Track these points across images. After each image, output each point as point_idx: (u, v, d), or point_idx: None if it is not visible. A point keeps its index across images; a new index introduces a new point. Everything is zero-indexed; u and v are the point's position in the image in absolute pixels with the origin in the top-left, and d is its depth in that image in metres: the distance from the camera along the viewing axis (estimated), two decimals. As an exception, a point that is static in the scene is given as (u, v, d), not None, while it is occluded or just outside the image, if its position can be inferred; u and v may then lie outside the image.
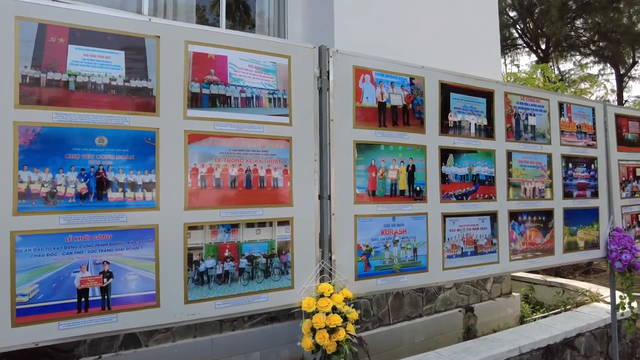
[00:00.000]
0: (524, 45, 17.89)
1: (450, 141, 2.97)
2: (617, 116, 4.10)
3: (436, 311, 4.99)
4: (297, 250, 2.39)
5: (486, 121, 3.16)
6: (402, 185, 2.74)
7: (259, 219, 2.30)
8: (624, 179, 4.09)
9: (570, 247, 3.61)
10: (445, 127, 2.95)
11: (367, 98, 2.64)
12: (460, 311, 5.14)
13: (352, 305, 2.40)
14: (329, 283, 2.41)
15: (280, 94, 2.38)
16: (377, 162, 2.66)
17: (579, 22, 16.27)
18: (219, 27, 4.62)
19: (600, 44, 16.16)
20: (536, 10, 15.74)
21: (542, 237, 3.41)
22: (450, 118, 2.98)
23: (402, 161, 2.75)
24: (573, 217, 3.63)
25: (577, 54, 17.57)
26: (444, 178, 2.92)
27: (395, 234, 2.70)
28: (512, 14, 17.31)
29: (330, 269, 2.48)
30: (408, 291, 4.72)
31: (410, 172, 2.78)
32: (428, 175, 2.85)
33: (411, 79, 2.82)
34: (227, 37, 2.26)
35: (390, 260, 2.68)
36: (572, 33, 16.19)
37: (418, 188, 2.80)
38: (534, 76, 8.32)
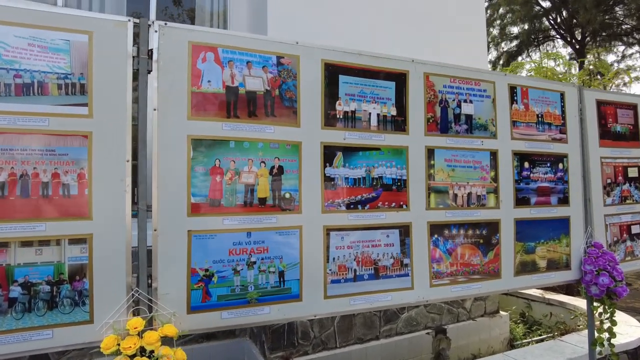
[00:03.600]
0: (558, 37, 16.13)
1: (339, 136, 2.28)
2: (600, 103, 3.18)
3: (398, 333, 4.23)
4: (99, 276, 1.82)
5: (395, 111, 2.43)
6: (263, 192, 2.10)
7: (39, 236, 1.75)
8: (609, 181, 3.16)
9: (526, 268, 2.77)
10: (331, 119, 2.27)
11: (209, 82, 2.03)
12: (428, 333, 4.34)
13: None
14: (142, 317, 1.83)
15: (75, 78, 1.83)
16: (224, 162, 2.03)
17: (618, 9, 14.42)
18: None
19: None
20: (570, -1, 14.11)
21: (481, 256, 2.62)
22: (339, 107, 2.29)
23: (262, 161, 2.10)
24: (530, 230, 2.78)
25: (620, 43, 15.57)
26: (329, 182, 2.24)
27: (251, 254, 2.06)
28: (545, 4, 15.67)
29: (150, 300, 1.89)
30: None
31: (276, 175, 2.13)
32: (304, 179, 2.18)
33: (279, 57, 2.17)
34: (-5, 8, 1.74)
35: (242, 287, 2.04)
36: (612, 21, 14.33)
37: (288, 195, 2.15)
38: (544, 66, 7.15)
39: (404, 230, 2.40)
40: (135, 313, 1.87)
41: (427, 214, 2.47)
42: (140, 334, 1.80)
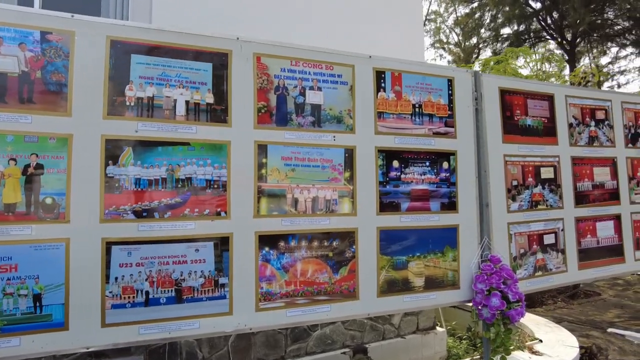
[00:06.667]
0: (549, 38, 15.32)
1: (129, 127, 1.82)
2: (505, 92, 2.65)
3: (308, 353, 3.72)
4: None
5: (212, 98, 1.96)
6: (11, 196, 1.65)
7: None
8: (515, 183, 2.63)
9: (395, 287, 2.25)
10: (118, 107, 1.82)
11: (-62, 61, 1.60)
12: (345, 353, 3.82)
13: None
14: None
15: None
16: (-45, 160, 1.60)
17: (609, 10, 13.59)
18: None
19: (637, 32, 13.29)
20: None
21: (331, 272, 2.12)
22: (129, 93, 1.84)
23: (12, 158, 1.66)
24: (400, 242, 2.27)
25: (614, 45, 14.69)
26: (112, 185, 1.78)
27: (-8, 273, 1.62)
28: (537, 5, 14.90)
29: None
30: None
31: (33, 175, 1.68)
32: (74, 181, 1.73)
33: (44, 33, 1.73)
34: None
35: (-22, 314, 1.59)
36: (601, 22, 13.50)
37: (49, 200, 1.70)
38: (509, 62, 6.51)
39: (222, 243, 1.93)
40: None
41: (256, 223, 1.99)
42: None
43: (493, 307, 2.29)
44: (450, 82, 2.47)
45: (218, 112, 1.96)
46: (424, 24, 19.86)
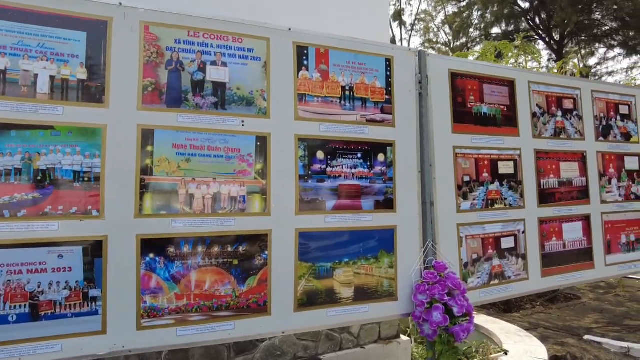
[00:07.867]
0: (537, 38, 14.99)
1: (-29, 107, 1.47)
2: (456, 75, 2.31)
3: (255, 365, 3.37)
4: None
5: (85, 73, 1.61)
6: None
7: None
8: (467, 179, 2.28)
9: (317, 299, 1.90)
10: (-42, 81, 1.46)
11: None
12: (296, 365, 3.47)
13: None
14: None
15: None
16: None
17: (597, 10, 13.26)
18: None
19: (625, 33, 12.97)
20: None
21: (235, 283, 1.76)
22: (-28, 64, 1.48)
23: None
24: (324, 245, 1.92)
25: (602, 46, 14.36)
26: (-54, 176, 1.43)
27: None
28: (525, 5, 14.56)
29: None
30: (202, 338, 3.16)
31: None
32: None
33: None
34: None
35: None
36: (589, 22, 13.19)
37: None
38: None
39: (93, 248, 1.57)
40: None
41: (137, 224, 1.63)
42: None
43: (434, 323, 1.93)
44: (388, 62, 2.12)
45: (92, 90, 1.61)
46: (414, 23, 19.55)
